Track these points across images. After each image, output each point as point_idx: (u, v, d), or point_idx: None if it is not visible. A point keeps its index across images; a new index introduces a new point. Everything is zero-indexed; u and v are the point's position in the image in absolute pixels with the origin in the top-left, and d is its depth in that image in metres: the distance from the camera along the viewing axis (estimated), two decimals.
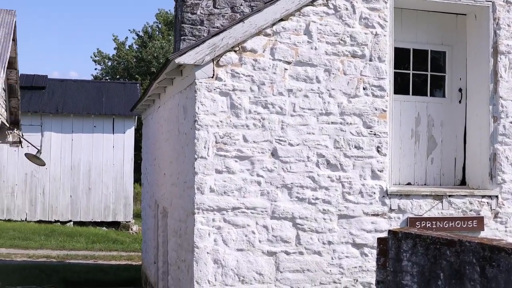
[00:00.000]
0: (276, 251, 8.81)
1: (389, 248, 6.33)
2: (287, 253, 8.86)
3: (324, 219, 9.06)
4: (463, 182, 10.50)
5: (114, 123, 28.71)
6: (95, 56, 53.17)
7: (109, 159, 28.30)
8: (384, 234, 9.09)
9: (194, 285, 8.46)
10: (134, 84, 33.24)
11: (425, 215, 9.53)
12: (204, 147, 8.58)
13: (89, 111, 28.46)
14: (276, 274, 8.80)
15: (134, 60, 50.80)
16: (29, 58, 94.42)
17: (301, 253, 8.92)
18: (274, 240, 8.81)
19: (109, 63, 53.05)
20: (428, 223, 9.48)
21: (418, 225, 9.43)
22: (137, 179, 27.07)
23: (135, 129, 29.67)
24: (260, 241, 8.75)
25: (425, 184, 10.27)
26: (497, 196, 9.94)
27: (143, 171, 17.01)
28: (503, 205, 9.97)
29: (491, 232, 9.90)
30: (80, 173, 28.06)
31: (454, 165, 10.57)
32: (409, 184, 10.16)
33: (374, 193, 9.31)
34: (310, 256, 8.97)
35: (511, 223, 10.02)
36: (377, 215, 9.31)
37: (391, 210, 9.37)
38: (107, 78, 51.26)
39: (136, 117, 28.32)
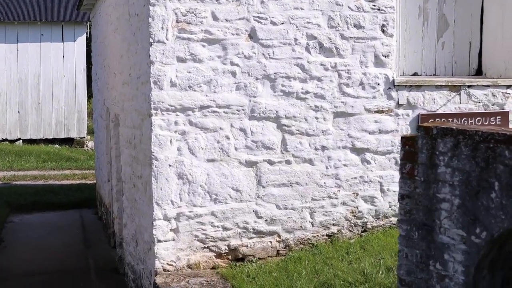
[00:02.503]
0: (257, 160, 7.17)
1: (418, 150, 4.69)
2: (270, 162, 7.23)
3: (317, 118, 7.40)
4: (478, 72, 8.87)
5: (63, 30, 26.34)
6: None
7: (59, 70, 26.07)
8: (390, 136, 7.50)
9: (154, 207, 6.83)
10: None
11: (440, 111, 7.94)
12: (162, 28, 6.69)
13: (35, 17, 25.98)
14: (258, 189, 7.20)
15: None
16: None
17: (288, 162, 7.30)
18: (254, 146, 7.15)
19: None
20: (444, 120, 7.90)
21: None
22: (92, 94, 25.11)
23: (87, 38, 27.38)
24: (236, 149, 7.08)
25: (434, 74, 8.61)
26: None
27: (93, 77, 15.03)
28: None
29: None
30: (28, 87, 25.85)
31: (468, 50, 8.88)
32: (415, 74, 8.48)
33: (378, 84, 7.62)
34: (299, 165, 7.36)
35: None
36: (381, 111, 7.67)
37: (398, 105, 7.74)
38: None
39: (88, 24, 26.03)
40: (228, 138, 7.04)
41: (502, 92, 8.23)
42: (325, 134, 7.45)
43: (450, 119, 7.92)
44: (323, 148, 7.45)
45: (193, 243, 7.02)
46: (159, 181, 6.80)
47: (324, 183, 7.49)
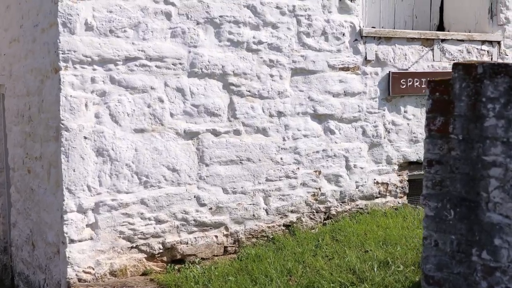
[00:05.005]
0: (199, 130, 5.99)
1: (454, 98, 3.75)
2: (215, 133, 6.07)
3: (272, 76, 6.32)
4: (440, 28, 8.19)
5: None
6: None
7: None
8: (357, 99, 6.63)
9: (64, 194, 5.45)
10: None
11: (412, 69, 7.13)
12: None
13: None
14: (200, 168, 6.02)
15: None
16: None
17: (237, 132, 6.18)
18: (195, 112, 5.96)
19: None
20: (417, 81, 7.11)
21: (403, 83, 7.02)
22: None
23: None
24: (172, 115, 5.86)
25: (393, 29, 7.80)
26: (499, 43, 7.77)
27: None
28: (506, 55, 7.85)
29: None
30: None
31: (430, 4, 8.19)
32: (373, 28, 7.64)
33: (343, 34, 6.67)
34: (250, 136, 6.26)
35: None
36: (347, 69, 6.72)
37: (366, 61, 6.82)
38: None
39: None
40: (161, 101, 5.80)
41: (477, 49, 7.57)
42: (282, 97, 6.39)
43: (423, 79, 7.15)
44: (280, 114, 6.39)
45: (118, 242, 5.73)
46: (71, 160, 5.44)
47: (281, 158, 6.44)
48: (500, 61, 7.77)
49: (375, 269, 5.07)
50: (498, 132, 3.53)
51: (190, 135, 5.94)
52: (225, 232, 6.22)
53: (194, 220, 6.03)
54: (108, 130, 5.55)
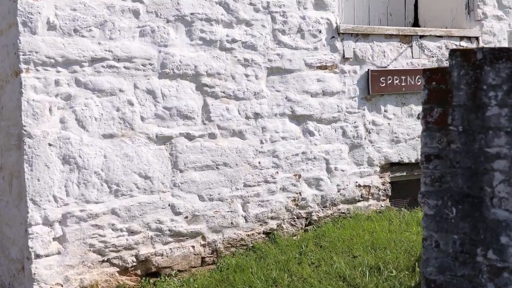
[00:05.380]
0: (172, 134, 5.67)
1: (453, 87, 3.50)
2: (189, 137, 5.76)
3: (247, 76, 6.04)
4: (415, 25, 8.03)
5: None
6: None
7: None
8: (336, 99, 6.40)
9: (28, 206, 5.06)
10: None
11: (391, 67, 6.92)
12: None
13: None
14: (174, 175, 5.70)
15: None
16: None
17: (212, 135, 5.88)
18: (167, 115, 5.65)
19: None
20: (396, 79, 6.90)
21: (383, 82, 6.80)
22: None
23: None
24: (143, 119, 5.54)
25: None
26: (477, 38, 7.61)
27: None
28: None
29: None
30: None
31: (404, 1, 8.02)
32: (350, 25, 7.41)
33: (320, 31, 6.42)
34: (227, 140, 5.96)
35: None
36: (325, 67, 6.47)
37: (344, 59, 6.59)
38: None
39: None
40: (131, 104, 5.47)
41: (456, 45, 7.39)
42: (258, 97, 6.11)
43: (403, 77, 6.94)
44: (256, 116, 6.11)
45: (88, 255, 5.37)
46: (35, 169, 5.07)
47: (259, 163, 6.15)
48: None
49: (367, 276, 4.80)
50: (501, 122, 3.28)
51: (163, 139, 5.61)
52: (202, 242, 5.90)
53: (169, 230, 5.70)
54: (75, 136, 5.20)
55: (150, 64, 5.52)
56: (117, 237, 5.47)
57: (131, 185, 5.50)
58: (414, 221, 6.26)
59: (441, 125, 3.57)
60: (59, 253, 5.21)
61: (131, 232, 5.53)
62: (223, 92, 5.89)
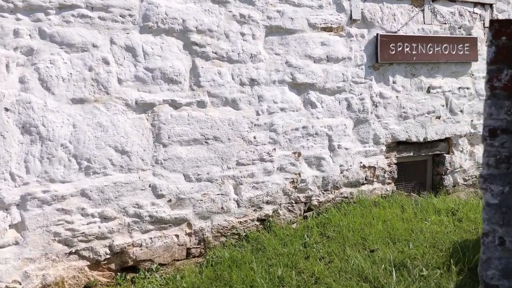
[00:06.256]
0: (154, 101, 4.78)
1: None
2: (175, 105, 4.88)
3: (243, 34, 5.17)
4: None
5: None
6: None
7: None
8: (341, 66, 5.66)
9: None
10: None
11: (401, 32, 6.12)
12: None
13: None
14: (156, 150, 4.82)
15: None
16: None
17: (201, 104, 5.00)
18: (150, 78, 4.75)
19: None
20: (407, 46, 6.11)
21: (392, 49, 6.01)
22: None
23: None
24: (121, 81, 4.63)
25: None
26: (491, 6, 6.88)
27: None
28: None
29: (484, 64, 6.89)
30: None
31: None
32: None
33: None
34: (218, 110, 5.10)
35: None
36: (330, 29, 5.65)
37: (351, 21, 5.77)
38: None
39: None
40: (106, 62, 4.55)
41: (469, 12, 6.65)
42: (255, 61, 5.25)
43: (414, 44, 6.16)
44: (252, 82, 5.25)
45: (52, 246, 4.46)
46: None
47: (254, 137, 5.31)
48: None
49: (394, 275, 4.00)
50: None
51: (144, 107, 4.72)
52: (188, 230, 5.04)
53: (150, 215, 4.82)
54: (38, 99, 4.27)
55: (130, 16, 4.61)
56: (87, 224, 4.56)
57: (105, 161, 4.60)
58: (430, 208, 5.51)
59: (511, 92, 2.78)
60: (16, 243, 4.28)
61: (105, 218, 4.63)
62: (215, 53, 5.01)
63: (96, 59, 4.48)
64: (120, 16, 4.56)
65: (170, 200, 4.91)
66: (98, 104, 4.53)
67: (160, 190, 4.85)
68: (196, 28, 4.90)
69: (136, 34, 4.64)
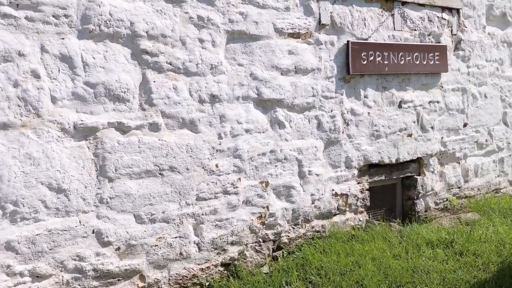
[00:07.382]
0: (97, 124, 3.83)
1: None
2: (122, 128, 3.94)
3: (201, 41, 4.30)
4: None
5: None
6: None
7: None
8: (310, 78, 4.95)
9: None
10: None
11: (372, 40, 5.43)
12: None
13: None
14: (100, 186, 3.86)
15: None
16: None
17: (154, 127, 4.09)
18: (91, 95, 3.79)
19: None
20: (378, 55, 5.43)
21: (364, 58, 5.31)
22: None
23: None
24: (55, 100, 3.65)
25: None
26: (458, 11, 6.33)
27: None
28: (465, 27, 6.43)
29: (453, 75, 6.31)
30: None
31: None
32: None
33: None
34: (174, 133, 4.20)
35: (474, 59, 6.55)
36: (297, 35, 4.87)
37: (320, 26, 5.01)
38: None
39: None
40: (37, 76, 3.57)
41: (438, 17, 6.07)
42: (216, 73, 4.39)
43: (385, 53, 5.49)
44: (213, 99, 4.38)
45: None
46: None
47: (216, 166, 4.43)
48: (460, 34, 6.34)
49: None
50: None
51: (84, 132, 3.76)
52: (141, 284, 4.09)
53: (94, 269, 3.85)
54: None
55: (66, 16, 3.66)
56: (14, 286, 3.55)
57: (37, 204, 3.60)
58: (420, 240, 4.80)
59: None
60: None
61: (37, 277, 3.63)
62: (170, 64, 4.12)
63: (23, 72, 3.50)
64: (53, 16, 3.61)
65: (118, 248, 3.96)
66: (27, 130, 3.54)
67: (106, 237, 3.90)
68: (146, 32, 4.00)
69: (73, 39, 3.69)
